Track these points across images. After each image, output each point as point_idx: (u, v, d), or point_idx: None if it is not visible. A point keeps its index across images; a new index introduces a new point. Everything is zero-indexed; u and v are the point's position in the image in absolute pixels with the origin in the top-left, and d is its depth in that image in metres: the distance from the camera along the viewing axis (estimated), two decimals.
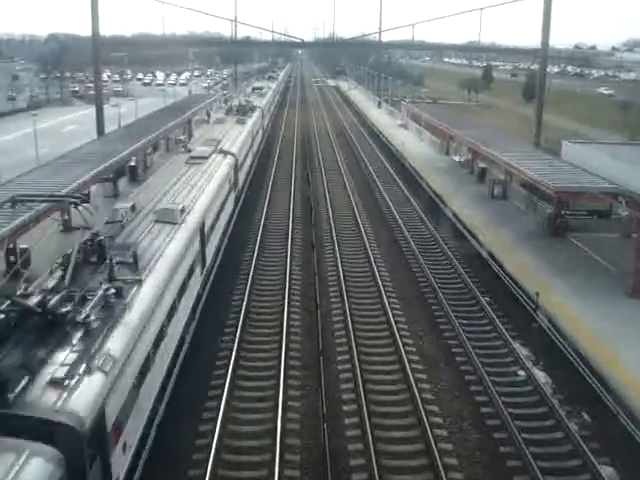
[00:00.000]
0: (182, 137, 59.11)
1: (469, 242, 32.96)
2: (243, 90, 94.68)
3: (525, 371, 20.68)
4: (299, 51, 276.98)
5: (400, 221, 37.50)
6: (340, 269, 29.34)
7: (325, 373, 20.33)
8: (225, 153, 34.78)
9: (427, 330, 23.95)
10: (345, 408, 18.61)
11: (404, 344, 22.08)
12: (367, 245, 32.88)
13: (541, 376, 20.36)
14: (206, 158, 31.54)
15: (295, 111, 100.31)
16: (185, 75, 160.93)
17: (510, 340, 22.54)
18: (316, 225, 37.31)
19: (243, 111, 58.03)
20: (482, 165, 45.62)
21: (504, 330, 23.22)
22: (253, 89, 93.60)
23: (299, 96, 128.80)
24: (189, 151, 34.38)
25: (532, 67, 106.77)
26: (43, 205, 24.86)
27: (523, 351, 21.95)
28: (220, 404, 18.20)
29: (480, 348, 22.10)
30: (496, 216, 36.31)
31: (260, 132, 63.38)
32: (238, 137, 43.35)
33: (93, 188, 36.40)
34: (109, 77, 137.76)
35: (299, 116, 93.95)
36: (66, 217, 33.68)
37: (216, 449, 16.31)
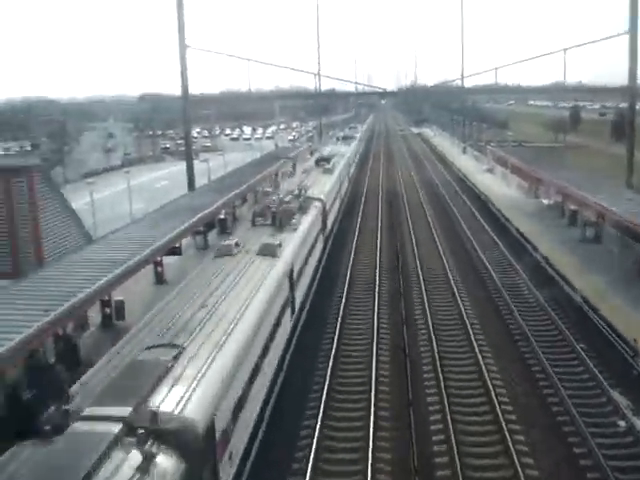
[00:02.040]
0: (269, 189, 60.23)
1: (561, 287, 32.02)
2: (327, 141, 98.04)
3: (625, 421, 19.77)
4: (382, 101, 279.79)
5: (489, 266, 36.86)
6: (428, 316, 29.05)
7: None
8: (313, 199, 38.47)
9: (521, 379, 23.30)
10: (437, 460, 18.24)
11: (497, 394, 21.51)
12: (457, 296, 32.27)
13: None
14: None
15: (380, 161, 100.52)
16: (271, 129, 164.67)
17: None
18: (403, 273, 37.10)
19: (346, 138, 78.13)
20: (573, 207, 44.43)
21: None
22: (350, 127, 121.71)
23: (383, 145, 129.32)
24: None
25: (621, 105, 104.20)
26: (137, 258, 25.77)
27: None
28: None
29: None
30: (589, 260, 35.22)
31: (346, 182, 66.07)
32: (325, 185, 45.74)
33: (185, 241, 37.37)
34: (198, 133, 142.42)
35: (384, 166, 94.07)
36: (159, 269, 34.79)
37: None
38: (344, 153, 69.28)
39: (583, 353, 24.37)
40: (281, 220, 28.62)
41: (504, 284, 33.56)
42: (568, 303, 30.01)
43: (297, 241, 27.66)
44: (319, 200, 38.11)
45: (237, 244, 24.20)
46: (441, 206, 58.26)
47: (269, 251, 23.65)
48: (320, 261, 36.44)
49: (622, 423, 19.74)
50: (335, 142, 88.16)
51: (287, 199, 33.78)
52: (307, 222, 31.73)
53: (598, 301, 28.16)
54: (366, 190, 68.87)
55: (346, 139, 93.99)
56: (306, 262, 29.81)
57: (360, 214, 55.29)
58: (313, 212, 34.48)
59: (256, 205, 38.09)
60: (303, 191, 37.58)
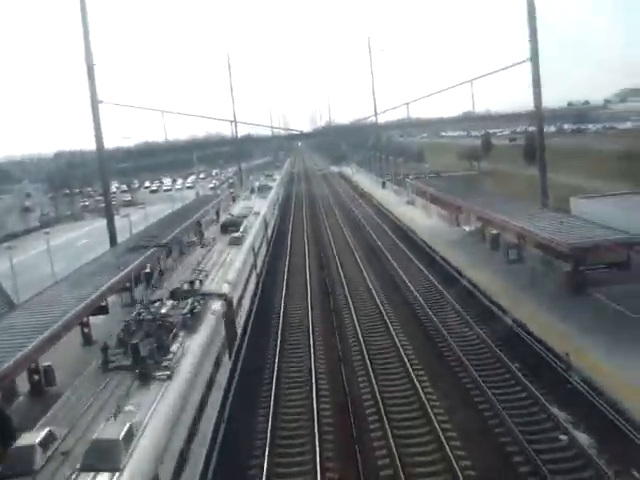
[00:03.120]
0: (194, 239, 59.60)
1: (491, 309, 32.63)
2: (251, 183, 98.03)
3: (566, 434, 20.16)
4: (299, 143, 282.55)
5: (417, 295, 37.31)
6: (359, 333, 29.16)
7: None
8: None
9: (458, 401, 23.50)
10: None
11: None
12: (387, 321, 32.63)
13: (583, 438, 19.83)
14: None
15: (302, 204, 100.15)
16: (191, 178, 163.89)
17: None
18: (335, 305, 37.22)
19: (262, 189, 78.85)
20: (494, 231, 45.48)
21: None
22: (266, 176, 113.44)
23: (305, 188, 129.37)
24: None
25: (530, 129, 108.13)
26: (62, 321, 25.01)
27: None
28: None
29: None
30: (514, 280, 36.05)
31: (277, 204, 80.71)
32: (233, 264, 34.57)
33: (111, 299, 36.50)
34: (117, 188, 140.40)
35: (307, 210, 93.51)
36: (86, 330, 33.80)
37: None
38: (259, 210, 57.55)
39: (518, 372, 24.83)
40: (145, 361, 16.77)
41: (434, 310, 34.02)
42: (499, 323, 30.58)
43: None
44: (219, 297, 25.09)
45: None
46: (366, 242, 58.63)
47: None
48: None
49: (563, 437, 20.09)
50: (249, 195, 76.33)
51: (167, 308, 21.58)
52: (192, 357, 18.34)
53: (528, 320, 28.81)
54: (291, 244, 67.24)
55: (262, 190, 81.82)
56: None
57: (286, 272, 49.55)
58: (207, 325, 21.39)
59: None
60: (198, 283, 25.36)
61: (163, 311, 20.66)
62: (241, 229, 42.91)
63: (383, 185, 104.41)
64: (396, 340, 30.26)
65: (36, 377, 27.70)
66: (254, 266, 39.57)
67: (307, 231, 69.28)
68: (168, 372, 16.23)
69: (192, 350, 18.45)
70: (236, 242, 38.30)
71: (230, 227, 44.47)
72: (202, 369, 18.68)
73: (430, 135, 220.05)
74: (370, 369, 27.07)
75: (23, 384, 27.10)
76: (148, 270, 45.09)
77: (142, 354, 16.83)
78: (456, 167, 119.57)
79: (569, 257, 32.62)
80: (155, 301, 22.11)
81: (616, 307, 28.92)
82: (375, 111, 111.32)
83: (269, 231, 59.49)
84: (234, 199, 77.78)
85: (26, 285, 42.07)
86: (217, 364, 21.40)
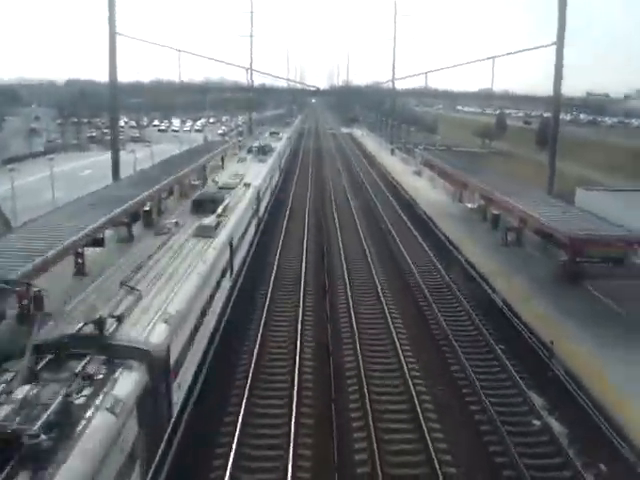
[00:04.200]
0: (197, 182, 59.56)
1: (483, 289, 32.74)
2: (260, 135, 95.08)
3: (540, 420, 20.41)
4: (313, 100, 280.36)
5: (412, 266, 37.39)
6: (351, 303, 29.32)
7: None
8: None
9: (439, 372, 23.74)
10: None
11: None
12: (379, 291, 32.79)
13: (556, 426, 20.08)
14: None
15: (309, 159, 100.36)
16: (201, 122, 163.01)
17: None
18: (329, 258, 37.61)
19: (263, 151, 61.04)
20: (495, 212, 45.45)
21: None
22: (271, 133, 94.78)
23: (313, 144, 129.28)
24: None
25: (545, 114, 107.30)
26: (57, 248, 25.07)
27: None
28: None
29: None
30: (509, 263, 36.10)
31: (278, 170, 67.50)
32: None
33: (108, 232, 36.55)
34: (126, 123, 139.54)
35: (313, 164, 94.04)
36: (80, 261, 33.92)
37: None
38: (252, 180, 44.45)
39: (502, 355, 25.03)
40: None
41: (426, 282, 34.16)
42: (488, 305, 30.73)
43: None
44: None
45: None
46: (369, 208, 58.48)
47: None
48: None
49: (536, 422, 20.34)
50: (244, 157, 60.92)
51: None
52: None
53: (518, 305, 28.92)
54: (294, 194, 67.80)
55: (262, 152, 64.64)
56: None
57: (285, 223, 50.58)
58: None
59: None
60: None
61: None
62: (219, 210, 30.27)
63: (392, 152, 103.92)
64: (385, 309, 30.41)
65: (25, 302, 27.87)
66: (227, 270, 27.64)
67: (310, 199, 61.91)
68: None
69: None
70: (205, 233, 25.84)
71: (204, 206, 31.02)
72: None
73: (445, 107, 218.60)
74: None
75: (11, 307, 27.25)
76: (147, 208, 45.14)
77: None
78: (467, 143, 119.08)
79: (567, 247, 32.64)
80: None
81: (606, 302, 29.03)
82: (393, 76, 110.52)
83: (261, 208, 46.63)
84: (240, 148, 77.13)
85: (25, 209, 42.07)
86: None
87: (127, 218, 39.50)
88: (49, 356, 13.05)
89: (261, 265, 37.74)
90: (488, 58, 55.62)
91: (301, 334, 26.88)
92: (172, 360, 16.02)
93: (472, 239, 42.09)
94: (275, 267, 37.13)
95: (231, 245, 28.49)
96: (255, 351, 25.02)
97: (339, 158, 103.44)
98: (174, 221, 27.50)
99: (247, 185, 40.37)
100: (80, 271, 33.98)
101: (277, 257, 39.39)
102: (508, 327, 27.78)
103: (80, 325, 14.49)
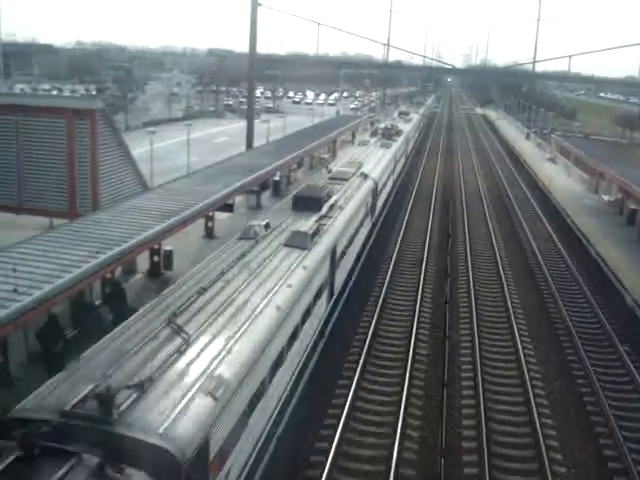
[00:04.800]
0: (326, 156, 60.04)
1: (615, 287, 31.28)
2: (389, 114, 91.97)
3: None
4: (449, 79, 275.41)
5: (540, 258, 36.06)
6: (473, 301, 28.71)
7: None
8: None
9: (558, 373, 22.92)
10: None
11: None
12: (506, 291, 31.76)
13: None
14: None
15: (440, 138, 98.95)
16: (334, 95, 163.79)
17: None
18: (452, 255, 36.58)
19: (388, 134, 53.40)
20: (633, 206, 43.20)
21: None
22: (400, 113, 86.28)
23: (446, 122, 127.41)
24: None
25: None
26: (189, 210, 26.00)
27: None
28: None
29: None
30: None
31: (403, 158, 60.22)
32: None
33: (238, 199, 37.55)
34: (262, 93, 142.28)
35: (444, 142, 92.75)
36: (210, 224, 35.12)
37: None
38: (370, 170, 36.73)
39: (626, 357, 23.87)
40: None
41: (554, 279, 32.95)
42: (620, 303, 29.35)
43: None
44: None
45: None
46: (500, 196, 56.29)
47: None
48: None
49: None
50: (367, 140, 52.24)
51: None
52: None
53: None
54: (421, 174, 67.13)
55: (387, 135, 54.88)
56: None
57: (412, 198, 50.80)
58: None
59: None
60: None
61: None
62: (323, 209, 24.70)
63: (527, 136, 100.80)
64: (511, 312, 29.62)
65: (156, 259, 29.17)
66: (323, 293, 21.39)
67: (437, 191, 55.45)
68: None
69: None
70: (298, 243, 20.12)
71: (308, 203, 24.67)
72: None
73: (588, 93, 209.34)
74: None
75: (144, 263, 28.61)
76: (277, 178, 46.02)
77: None
78: (608, 132, 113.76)
79: None
80: None
81: None
82: (534, 58, 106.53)
83: (378, 204, 39.16)
84: (372, 124, 76.86)
85: (162, 171, 43.83)
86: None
87: (257, 186, 40.45)
88: (17, 452, 8.45)
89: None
90: (635, 44, 52.39)
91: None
92: (213, 453, 10.71)
93: (604, 233, 40.27)
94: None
95: (333, 257, 22.68)
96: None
97: (472, 141, 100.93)
98: (264, 222, 21.32)
99: (364, 176, 33.83)
100: (209, 234, 35.29)
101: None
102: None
103: (83, 394, 9.85)
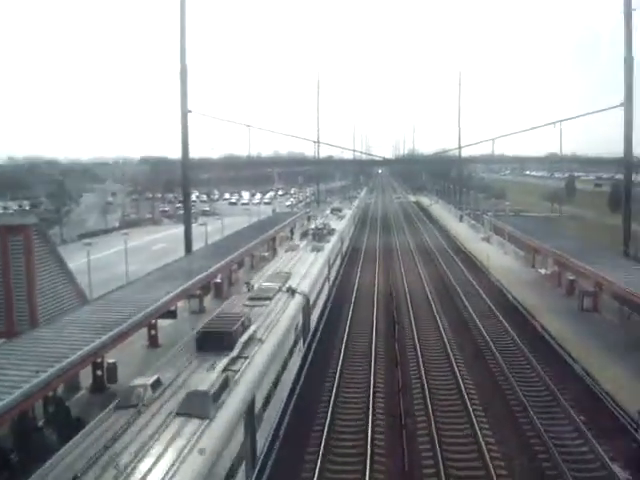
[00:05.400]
0: (266, 254, 60.23)
1: (560, 356, 31.64)
2: (323, 210, 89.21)
3: None
4: (379, 170, 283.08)
5: (484, 332, 36.31)
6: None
7: None
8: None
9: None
10: None
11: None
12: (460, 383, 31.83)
13: None
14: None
15: (376, 229, 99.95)
16: (269, 194, 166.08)
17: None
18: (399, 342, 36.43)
19: (320, 236, 49.74)
20: (570, 277, 44.38)
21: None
22: (332, 210, 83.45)
23: (380, 213, 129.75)
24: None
25: (616, 177, 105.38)
26: (131, 320, 25.49)
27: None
28: None
29: None
30: (587, 329, 34.91)
31: (339, 259, 56.25)
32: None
33: (180, 304, 37.08)
34: (197, 197, 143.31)
35: (380, 233, 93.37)
36: (153, 332, 34.44)
37: None
38: (297, 282, 31.49)
39: (583, 426, 23.89)
40: None
41: (500, 351, 33.11)
42: (567, 372, 29.60)
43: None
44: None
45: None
46: (439, 276, 57.06)
47: None
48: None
49: None
50: (295, 245, 47.01)
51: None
52: None
53: (598, 372, 27.79)
54: (361, 269, 67.76)
55: (318, 237, 50.53)
56: None
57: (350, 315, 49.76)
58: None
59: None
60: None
61: None
62: (234, 351, 19.08)
63: (460, 218, 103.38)
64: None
65: (99, 372, 28.31)
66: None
67: (378, 282, 53.12)
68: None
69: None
70: (194, 410, 14.59)
71: (214, 342, 18.99)
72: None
73: (513, 173, 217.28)
74: None
75: (86, 378, 27.72)
76: (219, 280, 45.77)
77: None
78: (537, 208, 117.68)
79: None
80: None
81: None
82: (459, 144, 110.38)
83: (314, 316, 34.08)
84: (309, 219, 77.84)
85: (100, 282, 43.13)
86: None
87: (198, 290, 40.08)
88: None
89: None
90: (553, 122, 54.61)
91: None
92: None
93: (546, 305, 41.06)
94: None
95: (249, 418, 17.25)
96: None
97: (408, 228, 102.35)
98: (152, 380, 15.92)
99: (292, 291, 28.90)
100: (153, 343, 34.54)
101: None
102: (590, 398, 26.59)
103: None
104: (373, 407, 25.98)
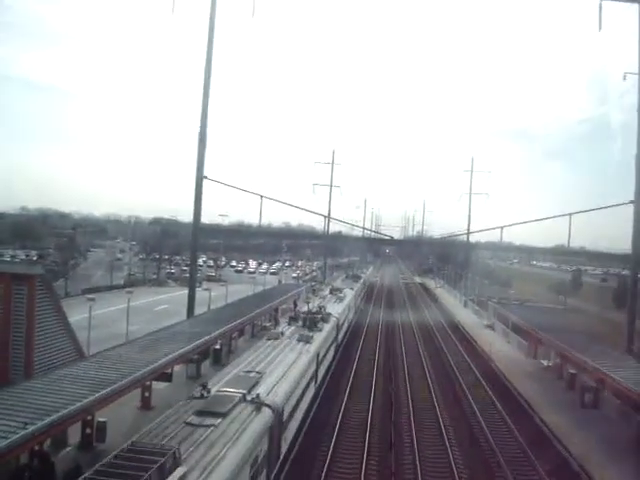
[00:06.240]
0: (268, 324, 59.91)
1: (560, 453, 31.01)
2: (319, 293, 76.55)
3: None
4: (387, 250, 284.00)
5: (485, 427, 35.67)
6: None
7: None
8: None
9: None
10: None
11: None
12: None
13: None
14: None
15: (379, 311, 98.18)
16: (276, 265, 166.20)
17: None
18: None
19: (311, 323, 42.31)
20: (572, 371, 43.89)
21: None
22: (331, 290, 74.70)
23: (386, 292, 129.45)
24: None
25: (623, 272, 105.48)
26: (126, 380, 25.28)
27: None
28: None
29: None
30: (587, 426, 34.31)
31: (332, 350, 49.35)
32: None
33: (177, 368, 36.77)
34: (204, 262, 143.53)
35: (384, 315, 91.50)
36: (147, 394, 34.08)
37: None
38: (274, 397, 23.88)
39: None
40: None
41: (500, 448, 32.51)
42: (564, 469, 29.01)
43: None
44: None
45: None
46: (441, 364, 55.80)
47: None
48: None
49: None
50: (280, 334, 37.67)
51: None
52: None
53: (595, 471, 27.22)
54: (356, 365, 67.02)
55: (310, 325, 41.99)
56: None
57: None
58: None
59: None
60: None
61: None
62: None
63: (465, 304, 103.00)
64: None
65: (88, 430, 27.90)
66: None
67: (382, 326, 51.86)
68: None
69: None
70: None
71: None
72: None
73: (520, 261, 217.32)
74: None
75: (75, 434, 27.31)
76: (218, 346, 45.46)
77: None
78: (542, 298, 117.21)
79: None
80: None
81: None
82: (468, 230, 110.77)
83: (288, 435, 27.19)
84: (314, 291, 77.56)
85: (99, 339, 42.89)
86: None
87: (197, 355, 39.77)
88: None
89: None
90: (563, 215, 55.03)
91: None
92: None
93: (546, 399, 40.48)
94: None
95: None
96: None
97: (412, 310, 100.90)
98: None
99: (258, 405, 22.00)
100: (146, 405, 34.11)
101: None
102: None
103: None
104: None
